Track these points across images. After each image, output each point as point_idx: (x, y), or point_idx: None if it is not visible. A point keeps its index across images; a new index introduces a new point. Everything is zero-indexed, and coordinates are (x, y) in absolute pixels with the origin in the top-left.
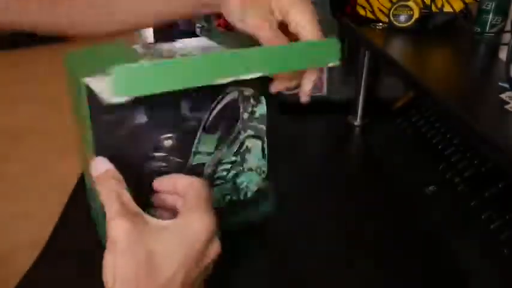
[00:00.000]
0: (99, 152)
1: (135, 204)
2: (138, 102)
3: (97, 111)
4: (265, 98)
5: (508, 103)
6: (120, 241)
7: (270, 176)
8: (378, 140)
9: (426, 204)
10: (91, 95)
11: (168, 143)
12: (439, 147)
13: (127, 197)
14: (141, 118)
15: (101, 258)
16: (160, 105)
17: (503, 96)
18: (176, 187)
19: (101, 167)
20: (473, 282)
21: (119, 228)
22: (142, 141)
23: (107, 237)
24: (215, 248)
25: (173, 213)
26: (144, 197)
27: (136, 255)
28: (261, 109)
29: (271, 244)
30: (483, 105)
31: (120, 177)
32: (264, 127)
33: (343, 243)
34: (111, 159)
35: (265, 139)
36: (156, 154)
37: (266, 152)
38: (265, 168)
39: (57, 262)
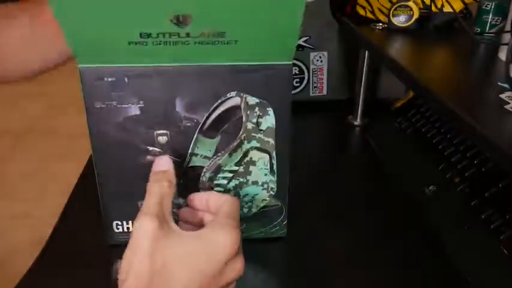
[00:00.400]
0: (94, 138)
1: (169, 212)
2: (131, 94)
3: (90, 98)
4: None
5: (508, 103)
6: (142, 239)
7: (280, 195)
8: (378, 140)
9: (426, 204)
10: (85, 82)
11: (162, 139)
12: (439, 147)
13: (168, 203)
14: (134, 110)
15: (100, 258)
16: (153, 100)
17: (503, 96)
18: (209, 204)
19: (163, 165)
20: (473, 282)
21: (146, 226)
22: (136, 133)
23: (132, 230)
24: (238, 267)
25: (198, 228)
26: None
27: (154, 257)
28: (269, 121)
29: (271, 244)
30: (483, 105)
31: (174, 182)
32: (271, 141)
33: (343, 243)
34: (106, 145)
35: (274, 154)
36: (150, 148)
37: (275, 168)
38: (273, 185)
39: (57, 262)
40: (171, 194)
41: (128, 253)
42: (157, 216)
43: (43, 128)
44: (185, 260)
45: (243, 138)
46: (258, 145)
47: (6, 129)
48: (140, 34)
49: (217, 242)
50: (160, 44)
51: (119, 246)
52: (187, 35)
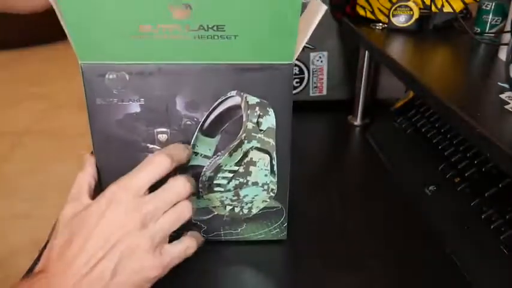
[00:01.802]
0: (95, 135)
1: (85, 191)
2: (131, 91)
3: (92, 95)
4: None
5: (508, 103)
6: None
7: (280, 197)
8: (378, 140)
9: (426, 204)
10: (86, 79)
11: (162, 137)
12: (439, 147)
13: (83, 183)
14: (135, 108)
15: None
16: (153, 98)
17: (503, 96)
18: None
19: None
20: (473, 282)
21: (63, 211)
22: (136, 131)
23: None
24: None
25: None
26: None
27: (63, 231)
28: (269, 122)
29: (271, 243)
30: (483, 105)
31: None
32: (272, 141)
33: (343, 243)
34: (107, 142)
35: (274, 155)
36: (151, 146)
37: (276, 169)
38: (274, 187)
39: None
40: (88, 179)
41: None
42: (73, 200)
43: (43, 128)
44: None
45: (243, 138)
46: (258, 145)
47: (6, 129)
48: (139, 27)
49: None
50: (160, 38)
51: None
52: (187, 28)
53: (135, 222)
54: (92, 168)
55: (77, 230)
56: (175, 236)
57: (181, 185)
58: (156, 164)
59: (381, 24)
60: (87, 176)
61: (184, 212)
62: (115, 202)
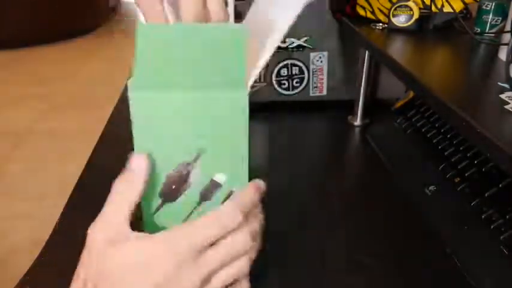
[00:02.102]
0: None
1: (128, 216)
2: None
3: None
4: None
5: (508, 103)
6: (92, 248)
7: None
8: (378, 140)
9: (426, 204)
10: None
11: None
12: (439, 147)
13: (128, 208)
14: None
15: None
16: None
17: (503, 96)
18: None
19: (138, 165)
20: (473, 282)
21: (97, 235)
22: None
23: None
24: (213, 256)
25: None
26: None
27: (101, 265)
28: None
29: (271, 244)
30: (483, 105)
31: (142, 186)
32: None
33: (343, 243)
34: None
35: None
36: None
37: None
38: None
39: (57, 262)
40: (134, 198)
41: (82, 257)
42: (111, 224)
43: (43, 128)
44: (132, 269)
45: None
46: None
47: (7, 129)
48: None
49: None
50: None
51: None
52: None
53: (195, 281)
54: (141, 186)
55: (118, 277)
56: None
57: (245, 241)
58: (227, 224)
59: (381, 24)
60: (133, 194)
61: (244, 268)
62: (173, 254)
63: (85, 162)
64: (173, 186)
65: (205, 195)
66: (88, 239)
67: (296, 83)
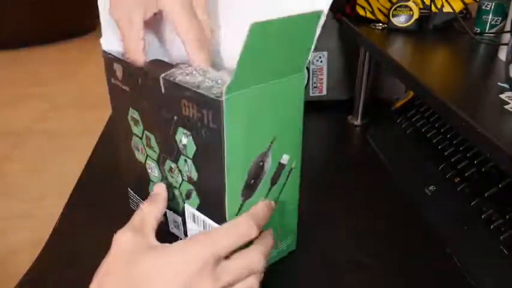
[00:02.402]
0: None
1: (152, 229)
2: None
3: None
4: None
5: (507, 103)
6: (118, 251)
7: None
8: (378, 140)
9: (426, 204)
10: None
11: None
12: (439, 147)
13: (152, 221)
14: None
15: (100, 257)
16: None
17: (503, 96)
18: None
19: (159, 190)
20: (473, 282)
21: (123, 238)
22: None
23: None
24: (231, 268)
25: None
26: None
27: (127, 269)
28: None
29: None
30: (483, 106)
31: (163, 204)
32: None
33: (343, 243)
34: None
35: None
36: None
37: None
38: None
39: (57, 262)
40: (159, 214)
41: (105, 260)
42: (136, 230)
43: (43, 128)
44: (160, 273)
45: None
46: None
47: (7, 129)
48: None
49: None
50: None
51: None
52: None
53: None
54: (163, 205)
55: (144, 280)
56: None
57: (259, 261)
58: (243, 233)
59: (380, 24)
60: (157, 211)
61: (254, 285)
62: (194, 262)
63: (85, 162)
64: (252, 181)
65: (275, 179)
66: (115, 246)
67: None
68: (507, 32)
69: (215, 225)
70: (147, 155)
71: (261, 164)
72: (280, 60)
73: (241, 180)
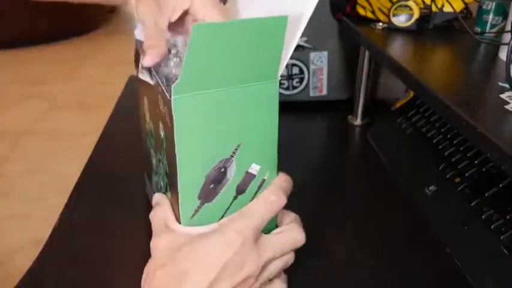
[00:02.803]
0: None
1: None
2: None
3: None
4: None
5: (508, 103)
6: (158, 256)
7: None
8: (378, 140)
9: (426, 204)
10: None
11: None
12: (439, 147)
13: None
14: None
15: (100, 257)
16: None
17: (503, 96)
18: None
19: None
20: (473, 282)
21: (159, 243)
22: None
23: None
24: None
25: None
26: None
27: (170, 272)
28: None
29: None
30: (483, 105)
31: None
32: None
33: (343, 243)
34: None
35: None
36: None
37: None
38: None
39: (57, 262)
40: (169, 209)
41: (149, 262)
42: (164, 231)
43: (43, 128)
44: (203, 259)
45: None
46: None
47: (7, 129)
48: None
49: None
50: None
51: (120, 249)
52: None
53: (254, 268)
54: (168, 201)
55: (192, 262)
56: None
57: (301, 237)
58: (274, 203)
59: (381, 24)
60: (167, 206)
61: (289, 261)
62: (236, 242)
63: (85, 162)
64: (211, 186)
65: (241, 188)
66: (154, 251)
67: (296, 83)
68: (507, 31)
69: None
70: (149, 143)
71: (223, 170)
72: (241, 65)
73: (197, 183)
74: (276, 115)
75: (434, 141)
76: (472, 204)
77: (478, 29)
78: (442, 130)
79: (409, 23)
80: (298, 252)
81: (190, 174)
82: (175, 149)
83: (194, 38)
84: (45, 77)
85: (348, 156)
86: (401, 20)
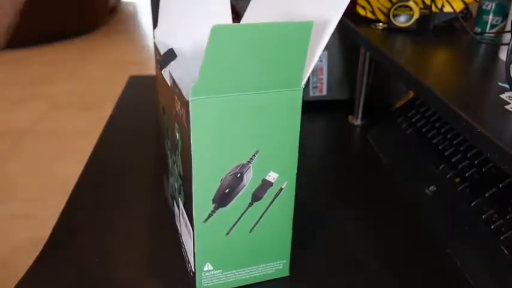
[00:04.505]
0: None
1: None
2: None
3: None
4: None
5: (508, 103)
6: None
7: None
8: (378, 140)
9: (426, 204)
10: None
11: None
12: (439, 147)
13: None
14: None
15: (100, 258)
16: None
17: (503, 96)
18: None
19: None
20: (473, 282)
21: None
22: None
23: None
24: None
25: None
26: None
27: None
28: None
29: None
30: (483, 105)
31: None
32: None
33: (343, 243)
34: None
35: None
36: None
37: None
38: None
39: (57, 262)
40: None
41: None
42: None
43: (43, 128)
44: None
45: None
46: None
47: (6, 129)
48: None
49: None
50: None
51: (120, 249)
52: None
53: None
54: None
55: None
56: None
57: None
58: None
59: (381, 24)
60: None
61: None
62: None
63: (85, 162)
64: (227, 190)
65: (258, 195)
66: None
67: None
68: (507, 32)
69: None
70: (166, 145)
71: (239, 175)
72: (263, 70)
73: (211, 186)
74: (298, 124)
75: (434, 141)
76: (472, 204)
77: (478, 29)
78: (442, 130)
79: (409, 23)
80: (299, 252)
81: (205, 177)
82: (191, 151)
83: (213, 39)
84: (45, 77)
85: (348, 156)
86: (401, 20)
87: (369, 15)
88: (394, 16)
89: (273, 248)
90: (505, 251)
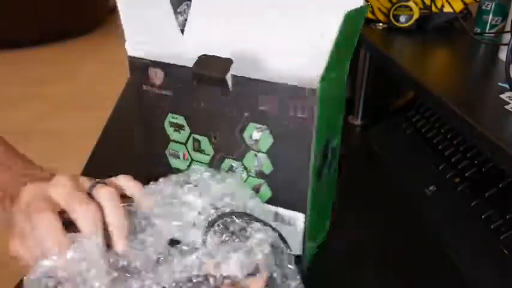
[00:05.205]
0: None
1: None
2: None
3: None
4: None
5: (508, 103)
6: None
7: None
8: (378, 140)
9: (426, 204)
10: None
11: None
12: (439, 147)
13: None
14: None
15: None
16: None
17: (503, 96)
18: None
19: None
20: (473, 282)
21: None
22: None
23: None
24: None
25: None
26: None
27: None
28: None
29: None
30: (483, 106)
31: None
32: None
33: (343, 243)
34: None
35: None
36: None
37: None
38: None
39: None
40: None
41: None
42: None
43: (43, 128)
44: None
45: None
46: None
47: (7, 129)
48: None
49: None
50: None
51: None
52: None
53: None
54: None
55: None
56: None
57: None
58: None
59: (381, 24)
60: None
61: None
62: None
63: (85, 162)
64: (320, 163)
65: (329, 162)
66: None
67: None
68: (507, 32)
69: (289, 213)
70: (191, 160)
71: (325, 147)
72: (346, 47)
73: (318, 164)
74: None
75: (434, 141)
76: (472, 204)
77: (478, 30)
78: (442, 130)
79: (409, 23)
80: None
81: (316, 158)
82: (313, 136)
83: (345, 22)
84: (45, 77)
85: (348, 156)
86: (401, 20)
87: (369, 15)
88: (394, 16)
89: (327, 214)
90: (505, 250)
